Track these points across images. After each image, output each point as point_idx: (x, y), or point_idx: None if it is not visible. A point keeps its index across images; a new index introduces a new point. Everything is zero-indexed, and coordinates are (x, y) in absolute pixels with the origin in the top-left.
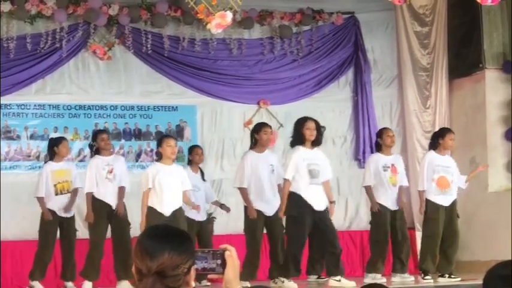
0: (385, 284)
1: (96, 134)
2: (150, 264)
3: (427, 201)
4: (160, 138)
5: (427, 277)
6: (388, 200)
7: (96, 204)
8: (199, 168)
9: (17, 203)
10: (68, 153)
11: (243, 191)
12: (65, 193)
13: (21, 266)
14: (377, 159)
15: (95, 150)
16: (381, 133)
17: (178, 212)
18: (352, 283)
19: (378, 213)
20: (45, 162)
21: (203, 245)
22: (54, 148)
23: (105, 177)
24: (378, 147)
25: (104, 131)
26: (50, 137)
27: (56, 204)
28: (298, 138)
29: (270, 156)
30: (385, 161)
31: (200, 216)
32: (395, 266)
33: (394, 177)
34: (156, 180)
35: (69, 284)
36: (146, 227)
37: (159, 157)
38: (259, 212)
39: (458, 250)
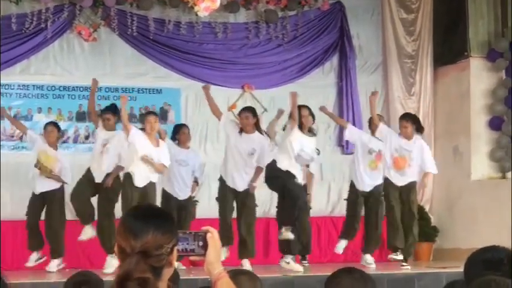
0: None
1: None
2: (133, 243)
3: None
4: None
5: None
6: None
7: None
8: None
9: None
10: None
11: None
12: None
13: (14, 246)
14: (366, 138)
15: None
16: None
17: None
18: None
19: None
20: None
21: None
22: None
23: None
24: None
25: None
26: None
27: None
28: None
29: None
30: (376, 145)
31: (182, 194)
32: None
33: (375, 163)
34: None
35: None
36: (130, 207)
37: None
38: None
39: (441, 237)
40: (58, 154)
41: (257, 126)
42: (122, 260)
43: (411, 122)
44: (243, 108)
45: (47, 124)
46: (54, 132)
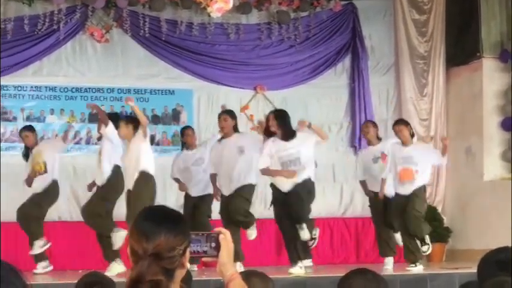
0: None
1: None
2: (146, 245)
3: None
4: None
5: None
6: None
7: None
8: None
9: (13, 184)
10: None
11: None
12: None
13: (15, 248)
14: (364, 154)
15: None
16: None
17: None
18: (302, 270)
19: (375, 200)
20: None
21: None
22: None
23: None
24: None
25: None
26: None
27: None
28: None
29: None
30: (374, 153)
31: (194, 191)
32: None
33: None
34: None
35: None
36: (142, 209)
37: None
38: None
39: (454, 238)
40: (40, 146)
41: (235, 128)
42: (135, 262)
43: (404, 125)
44: (221, 111)
45: (22, 130)
46: (30, 137)
